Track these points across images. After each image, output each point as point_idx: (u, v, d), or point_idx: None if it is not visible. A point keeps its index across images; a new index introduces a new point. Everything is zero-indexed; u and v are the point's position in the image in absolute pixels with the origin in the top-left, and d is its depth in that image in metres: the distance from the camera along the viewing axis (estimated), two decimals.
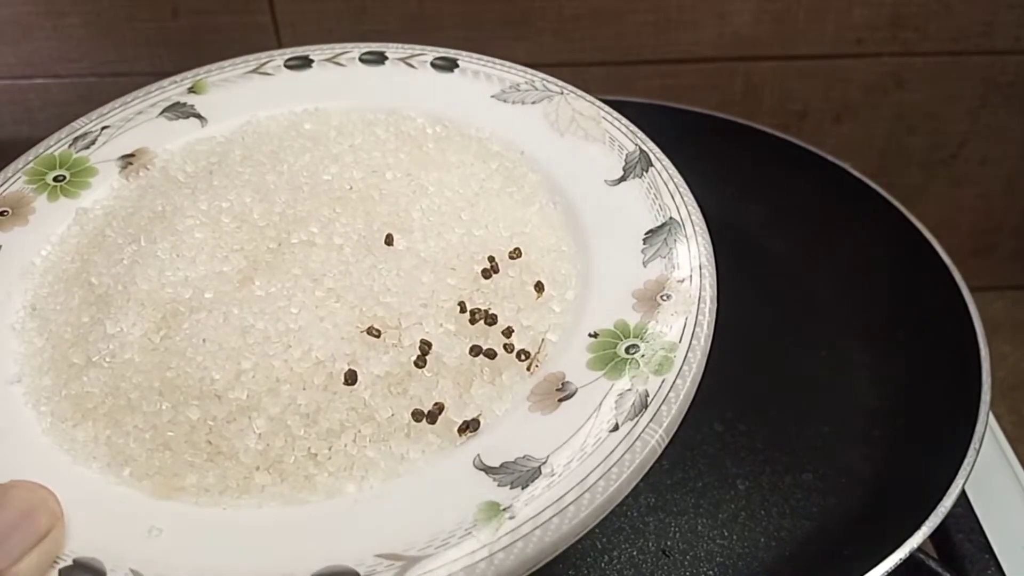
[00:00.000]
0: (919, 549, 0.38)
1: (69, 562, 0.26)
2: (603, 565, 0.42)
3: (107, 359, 0.31)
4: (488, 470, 0.27)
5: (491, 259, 0.33)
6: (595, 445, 0.26)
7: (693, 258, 0.32)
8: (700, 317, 0.30)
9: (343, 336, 0.30)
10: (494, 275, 0.32)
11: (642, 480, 0.44)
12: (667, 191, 0.34)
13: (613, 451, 0.26)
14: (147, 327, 0.31)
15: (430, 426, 0.29)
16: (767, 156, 0.61)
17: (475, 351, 0.30)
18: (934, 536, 0.43)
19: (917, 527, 0.38)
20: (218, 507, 0.27)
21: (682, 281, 0.31)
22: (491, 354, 0.30)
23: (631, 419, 0.27)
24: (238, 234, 0.34)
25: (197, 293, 0.32)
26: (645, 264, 0.32)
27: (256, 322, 0.31)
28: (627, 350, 0.29)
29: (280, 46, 0.68)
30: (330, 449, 0.28)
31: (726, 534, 0.43)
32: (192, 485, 0.28)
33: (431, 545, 0.25)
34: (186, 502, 0.28)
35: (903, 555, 0.37)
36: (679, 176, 0.35)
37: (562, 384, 0.29)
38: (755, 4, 0.69)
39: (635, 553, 0.42)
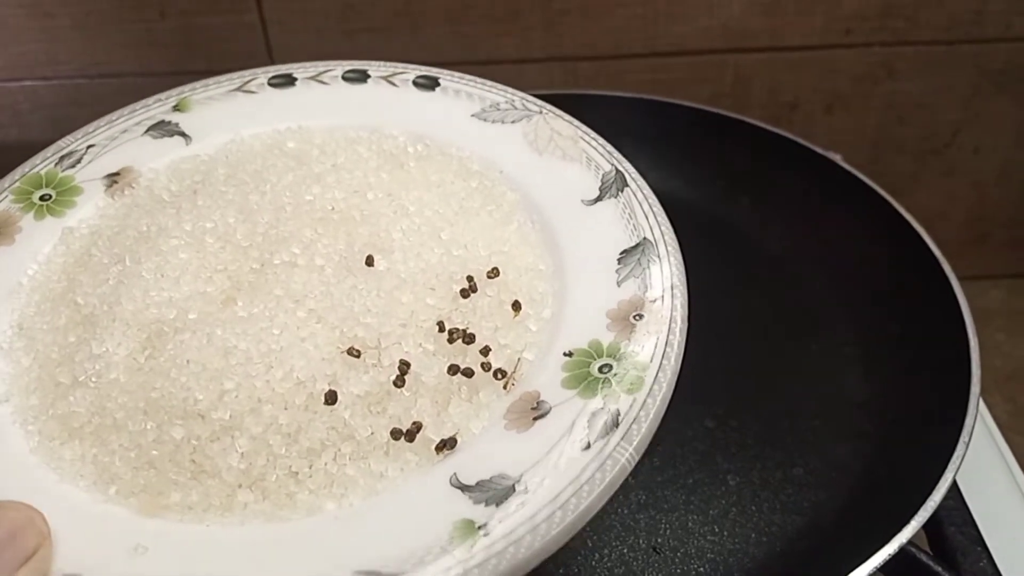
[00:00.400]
0: (911, 542, 0.38)
1: None
2: (593, 563, 0.42)
3: (93, 379, 0.31)
4: (464, 488, 0.27)
5: (469, 279, 0.33)
6: (567, 464, 0.27)
7: (665, 278, 0.32)
8: (671, 337, 0.30)
9: (324, 357, 0.31)
10: (472, 294, 0.33)
11: (632, 477, 0.44)
12: (641, 211, 0.35)
13: (585, 469, 0.27)
14: (132, 347, 0.32)
15: (408, 444, 0.29)
16: (757, 149, 0.61)
17: (453, 370, 0.31)
18: (926, 529, 0.43)
19: (908, 520, 0.38)
20: (202, 524, 0.28)
21: (654, 301, 0.31)
22: (468, 373, 0.31)
23: (603, 438, 0.28)
24: (222, 254, 0.34)
25: (181, 314, 0.32)
26: (619, 284, 0.32)
27: (239, 343, 0.31)
28: (600, 369, 0.30)
29: (268, 45, 0.68)
30: (311, 467, 0.29)
31: (717, 530, 0.43)
32: (176, 503, 0.28)
33: (408, 562, 0.25)
34: (170, 520, 0.28)
35: (894, 549, 0.37)
36: (653, 196, 0.36)
37: (537, 403, 0.29)
38: None
39: (626, 551, 0.42)
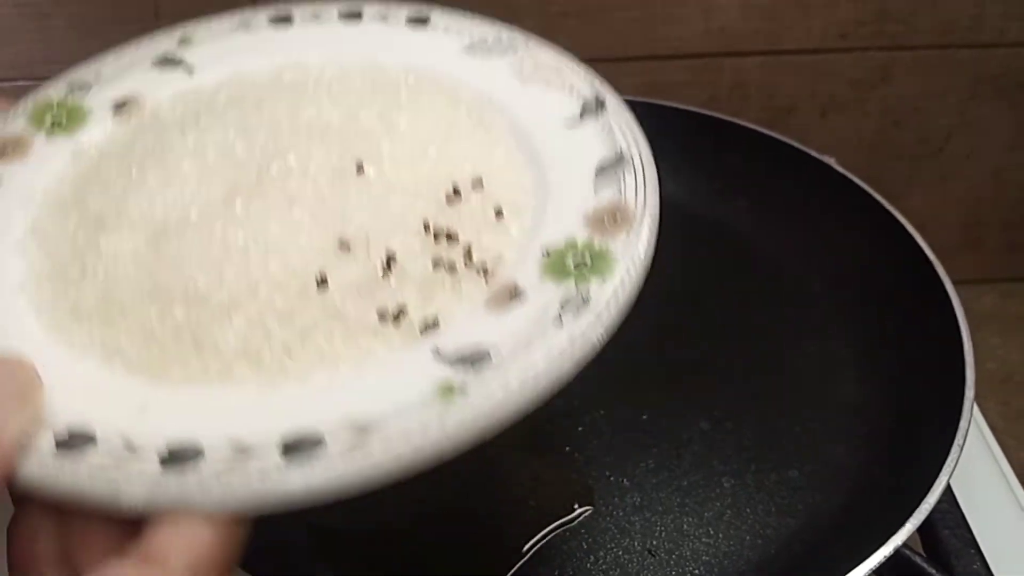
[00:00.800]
0: (905, 545, 0.38)
1: (62, 429, 0.28)
2: (588, 565, 0.42)
3: (101, 272, 0.34)
4: (444, 358, 0.30)
5: (455, 186, 0.35)
6: (541, 339, 0.29)
7: (639, 186, 0.35)
8: (642, 227, 0.33)
9: (316, 249, 0.33)
10: (457, 201, 0.35)
11: (627, 479, 0.45)
12: (619, 130, 0.36)
13: (557, 343, 0.29)
14: (137, 243, 0.34)
15: (394, 325, 0.31)
16: (753, 153, 0.61)
17: (437, 263, 0.33)
18: (920, 532, 0.43)
19: (903, 523, 0.38)
20: (201, 390, 0.30)
21: (626, 205, 0.34)
22: (452, 267, 0.33)
23: (575, 318, 0.30)
24: (222, 164, 0.37)
25: (184, 213, 0.35)
26: (596, 192, 0.34)
27: (237, 237, 0.34)
28: (575, 263, 0.32)
29: None
30: (303, 344, 0.31)
31: (712, 533, 0.43)
32: (178, 375, 0.31)
33: (392, 415, 0.28)
34: (172, 387, 0.30)
35: (889, 551, 0.37)
36: (631, 117, 0.38)
37: (514, 289, 0.32)
38: None
39: (620, 553, 0.42)
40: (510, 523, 0.44)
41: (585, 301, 0.30)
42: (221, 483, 0.26)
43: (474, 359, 0.29)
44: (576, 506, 0.44)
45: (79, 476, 0.27)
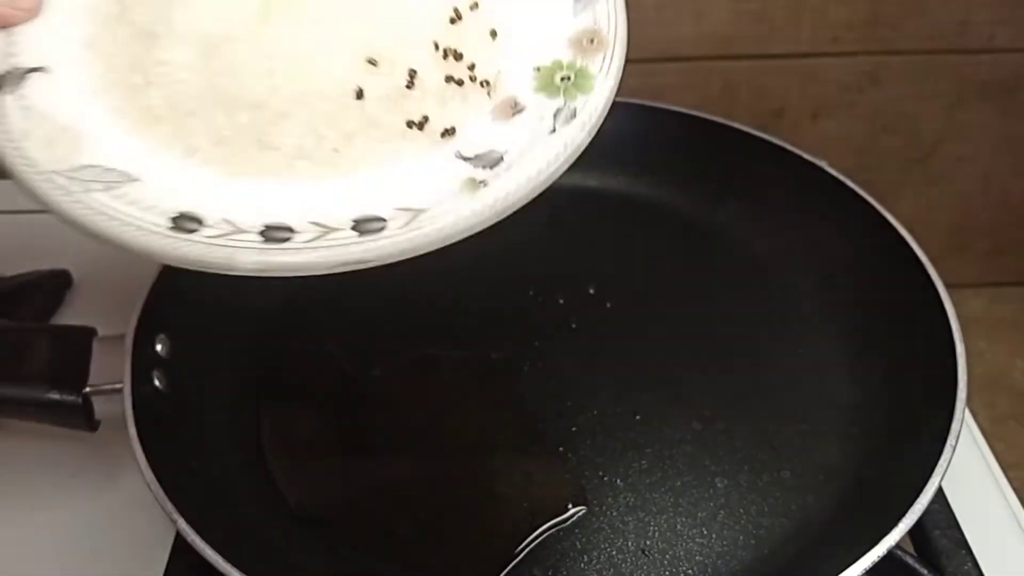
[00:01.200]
0: (897, 546, 0.38)
1: (175, 214, 0.33)
2: (582, 565, 0.42)
3: (164, 80, 0.37)
4: (465, 158, 0.36)
5: (455, 10, 0.41)
6: (540, 142, 0.36)
7: (610, 12, 0.40)
8: (614, 52, 0.39)
9: (349, 65, 0.38)
10: (459, 22, 0.41)
11: (621, 480, 0.45)
12: None
13: (553, 147, 0.36)
14: (191, 55, 0.38)
15: (420, 132, 0.37)
16: (744, 155, 0.61)
17: (448, 79, 0.39)
18: (911, 532, 0.43)
19: (895, 524, 0.38)
20: (273, 182, 0.35)
21: (601, 31, 0.39)
22: (460, 82, 0.39)
23: (565, 124, 0.36)
24: None
25: (226, 29, 0.39)
26: (575, 15, 0.40)
27: (280, 50, 0.38)
28: (561, 79, 0.38)
29: None
30: (348, 145, 0.36)
31: (705, 533, 0.43)
32: (250, 170, 0.35)
33: (433, 203, 0.34)
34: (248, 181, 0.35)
35: (881, 552, 0.37)
36: None
37: (515, 103, 0.38)
38: (732, 3, 0.69)
39: (614, 553, 0.42)
40: (503, 523, 0.44)
41: (573, 113, 0.37)
42: (313, 249, 0.32)
43: (490, 160, 0.36)
44: (569, 506, 0.44)
45: (198, 248, 0.32)
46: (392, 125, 0.37)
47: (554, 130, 0.36)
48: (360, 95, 0.38)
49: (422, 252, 0.33)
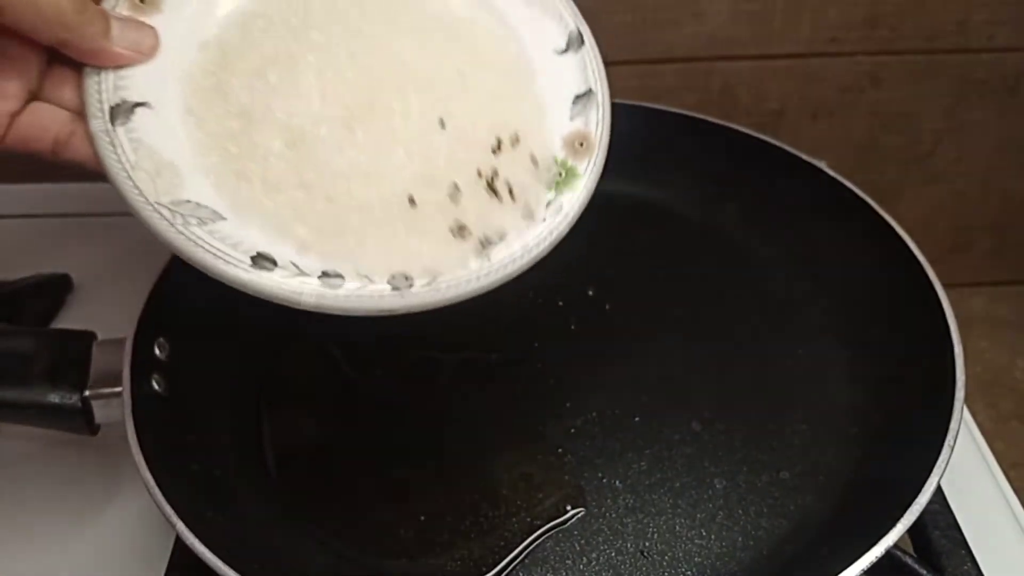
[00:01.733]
0: (896, 546, 0.38)
1: (254, 253, 0.38)
2: (582, 567, 0.42)
3: (255, 155, 0.40)
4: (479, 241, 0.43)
5: (498, 140, 0.45)
6: (532, 228, 0.43)
7: (599, 120, 0.45)
8: (597, 156, 0.45)
9: (410, 176, 0.42)
10: (499, 151, 0.45)
11: (620, 481, 0.45)
12: (590, 66, 0.46)
13: (541, 232, 0.43)
14: (280, 142, 0.41)
15: (461, 240, 0.42)
16: (743, 156, 0.61)
17: (489, 189, 0.43)
18: (911, 533, 0.43)
19: (893, 524, 0.38)
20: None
21: (590, 136, 0.45)
22: (496, 192, 0.43)
23: (553, 216, 0.43)
24: (338, 88, 0.43)
25: (315, 128, 0.42)
26: (571, 119, 0.45)
27: (358, 157, 0.42)
28: (556, 175, 0.44)
29: None
30: (401, 240, 0.41)
31: (704, 534, 0.43)
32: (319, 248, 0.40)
33: (446, 270, 0.41)
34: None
35: (880, 552, 0.37)
36: (598, 53, 0.47)
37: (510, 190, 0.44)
38: (731, 4, 0.69)
39: (614, 554, 0.42)
40: (503, 525, 0.44)
41: (560, 207, 0.43)
42: (358, 296, 0.39)
43: (490, 241, 0.42)
44: (568, 508, 0.44)
45: (271, 285, 0.38)
46: (437, 230, 0.42)
47: (544, 219, 0.43)
48: (413, 203, 0.42)
49: (432, 308, 0.40)
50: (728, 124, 0.62)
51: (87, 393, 0.44)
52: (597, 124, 0.45)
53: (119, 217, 0.64)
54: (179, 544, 0.42)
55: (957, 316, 0.47)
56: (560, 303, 0.55)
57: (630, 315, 0.54)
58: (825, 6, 0.69)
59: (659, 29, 0.70)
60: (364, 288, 0.40)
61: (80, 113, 0.38)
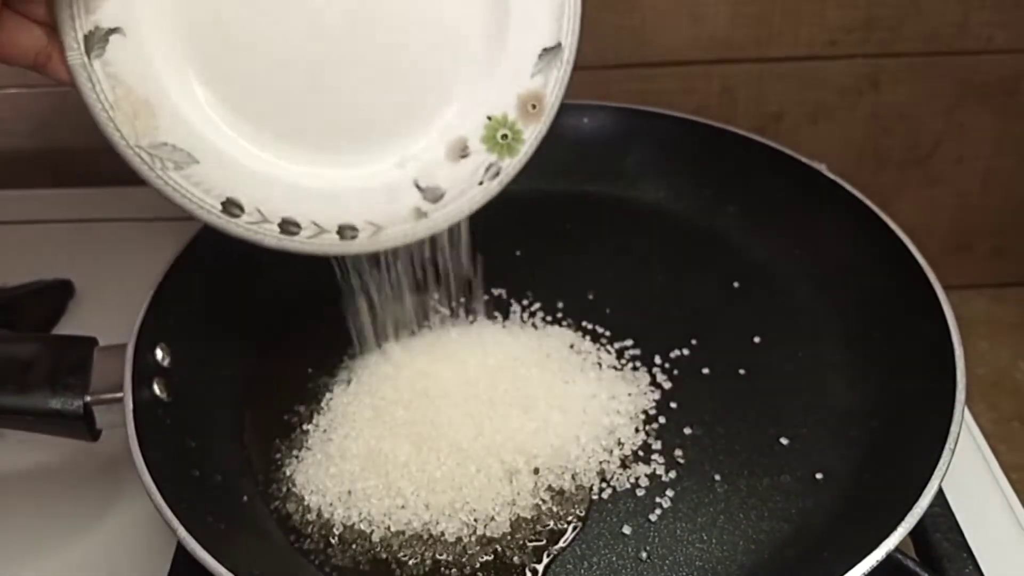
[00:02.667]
0: (897, 549, 0.38)
1: (224, 199, 0.42)
2: (583, 571, 0.42)
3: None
4: (420, 188, 0.45)
5: (536, 470, 0.46)
6: (469, 190, 0.45)
7: (558, 83, 0.44)
8: (541, 127, 0.45)
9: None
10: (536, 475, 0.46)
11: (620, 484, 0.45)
12: (567, 14, 0.44)
13: (477, 194, 0.45)
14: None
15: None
16: (742, 159, 0.61)
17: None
18: (913, 536, 0.43)
19: (894, 528, 0.38)
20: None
21: (544, 98, 0.45)
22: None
23: (490, 180, 0.45)
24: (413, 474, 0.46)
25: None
26: (532, 75, 0.44)
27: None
28: (501, 137, 0.45)
29: None
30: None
31: (705, 538, 0.43)
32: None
33: (389, 224, 0.45)
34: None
35: (880, 556, 0.37)
36: (580, 6, 0.44)
37: (464, 147, 0.45)
38: (730, 7, 0.69)
39: (615, 558, 0.42)
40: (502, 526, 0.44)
41: (497, 172, 0.45)
42: (311, 243, 0.44)
43: (435, 196, 0.45)
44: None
45: (239, 229, 0.42)
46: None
47: (481, 182, 0.45)
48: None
49: (372, 252, 0.45)
50: (727, 127, 0.62)
51: (88, 399, 0.44)
52: (554, 87, 0.44)
53: (120, 223, 0.65)
54: (180, 550, 0.42)
55: (958, 318, 0.47)
56: (560, 304, 0.55)
57: (629, 318, 0.54)
58: (824, 8, 0.69)
59: (658, 32, 0.70)
60: (315, 237, 0.44)
61: (53, 27, 0.38)
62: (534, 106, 0.44)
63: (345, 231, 0.44)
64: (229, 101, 0.42)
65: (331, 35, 0.42)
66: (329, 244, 0.44)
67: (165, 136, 0.41)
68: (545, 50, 0.44)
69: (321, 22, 0.42)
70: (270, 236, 0.43)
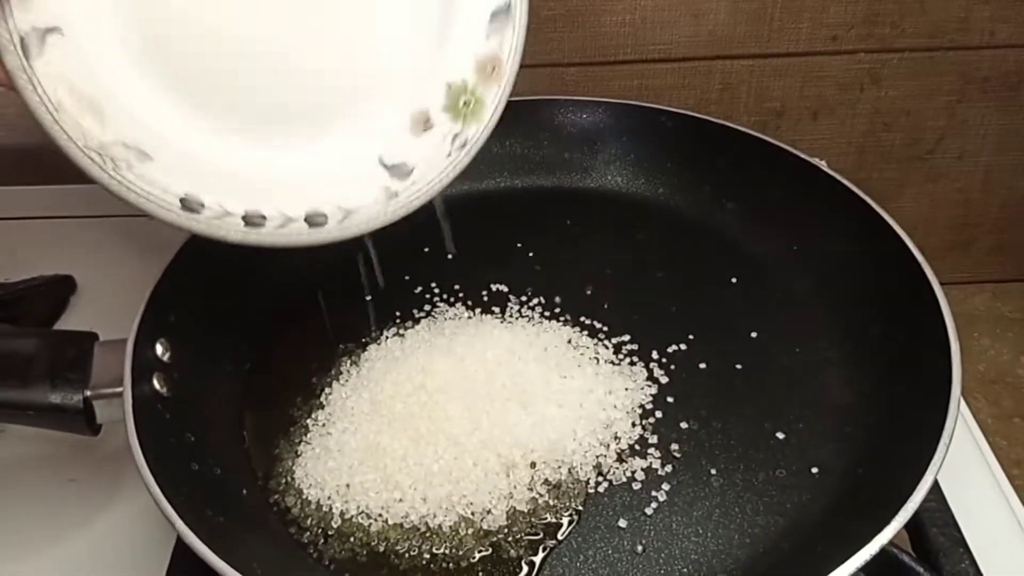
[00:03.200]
0: (892, 543, 0.38)
1: (182, 195, 0.41)
2: (578, 564, 0.42)
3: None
4: (385, 166, 0.45)
5: (532, 463, 0.46)
6: (438, 162, 0.45)
7: (514, 44, 0.45)
8: (505, 88, 0.45)
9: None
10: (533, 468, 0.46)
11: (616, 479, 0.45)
12: None
13: (446, 167, 0.45)
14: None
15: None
16: (742, 155, 0.61)
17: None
18: (909, 530, 0.43)
19: (889, 521, 0.38)
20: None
21: (502, 59, 0.45)
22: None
23: (458, 150, 0.45)
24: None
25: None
26: (487, 38, 0.45)
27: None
28: (463, 103, 0.45)
29: None
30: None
31: (700, 532, 0.43)
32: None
33: (360, 208, 0.45)
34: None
35: (875, 549, 0.37)
36: None
37: (427, 119, 0.45)
38: (731, 3, 0.69)
39: (610, 552, 0.42)
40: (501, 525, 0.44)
41: (464, 142, 0.45)
42: (278, 234, 0.42)
43: (403, 173, 0.45)
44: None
45: (201, 225, 0.41)
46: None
47: (449, 154, 0.45)
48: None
49: (346, 239, 0.44)
50: (728, 123, 0.62)
51: (88, 393, 0.44)
52: (510, 48, 0.44)
53: (122, 219, 0.65)
54: (180, 544, 0.42)
55: (959, 314, 0.47)
56: (558, 299, 0.56)
57: (627, 314, 0.55)
58: (825, 4, 0.69)
59: (658, 28, 0.70)
60: (282, 227, 0.42)
61: None
62: (493, 68, 0.44)
63: (314, 218, 0.43)
64: (178, 91, 0.41)
65: (280, 9, 0.42)
66: (298, 234, 0.43)
67: (115, 134, 0.39)
68: (495, 12, 0.44)
69: None
70: (235, 230, 0.41)
